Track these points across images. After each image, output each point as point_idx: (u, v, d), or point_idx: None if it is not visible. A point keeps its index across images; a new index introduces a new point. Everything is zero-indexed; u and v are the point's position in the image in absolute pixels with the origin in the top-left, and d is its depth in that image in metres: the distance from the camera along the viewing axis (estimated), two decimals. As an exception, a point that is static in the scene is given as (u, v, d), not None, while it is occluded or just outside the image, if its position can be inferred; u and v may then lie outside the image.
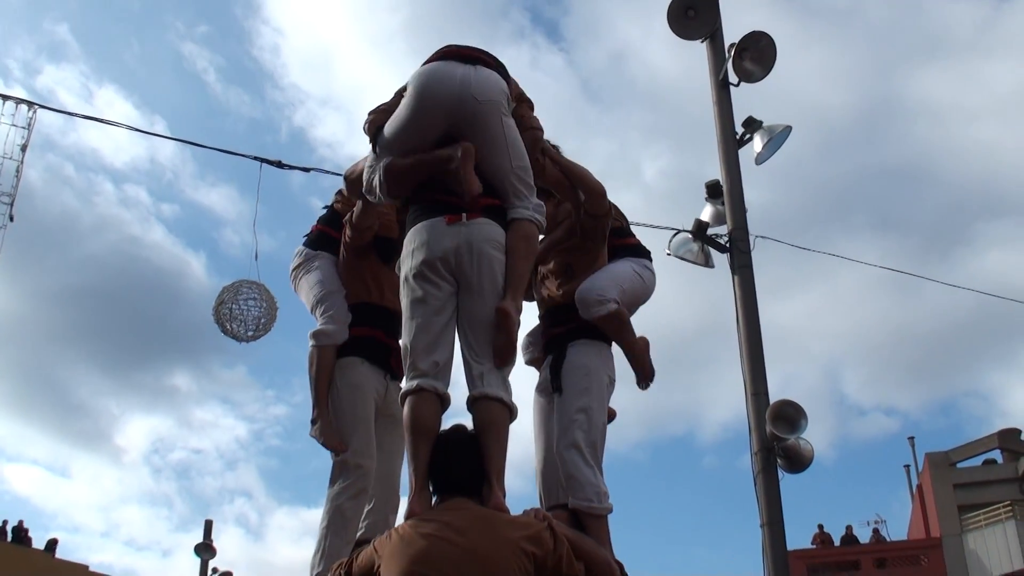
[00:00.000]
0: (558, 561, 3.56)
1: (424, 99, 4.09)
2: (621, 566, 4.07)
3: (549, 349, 4.78)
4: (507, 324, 3.91)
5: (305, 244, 5.21)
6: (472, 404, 3.85)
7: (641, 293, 4.91)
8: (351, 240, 4.91)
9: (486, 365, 3.91)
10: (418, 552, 3.35)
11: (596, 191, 4.66)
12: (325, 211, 5.30)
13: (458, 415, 3.95)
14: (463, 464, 3.69)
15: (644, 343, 4.83)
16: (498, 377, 3.91)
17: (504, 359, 3.95)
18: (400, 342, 4.16)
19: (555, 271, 4.84)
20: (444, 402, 3.90)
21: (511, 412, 3.90)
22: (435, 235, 4.07)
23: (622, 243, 5.00)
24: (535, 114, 4.51)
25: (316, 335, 4.84)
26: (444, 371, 3.95)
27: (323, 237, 5.17)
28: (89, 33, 77.52)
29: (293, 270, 5.16)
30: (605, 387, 4.63)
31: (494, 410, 3.83)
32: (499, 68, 4.35)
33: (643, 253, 5.04)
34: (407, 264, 4.12)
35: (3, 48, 70.24)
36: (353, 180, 4.75)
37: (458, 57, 4.18)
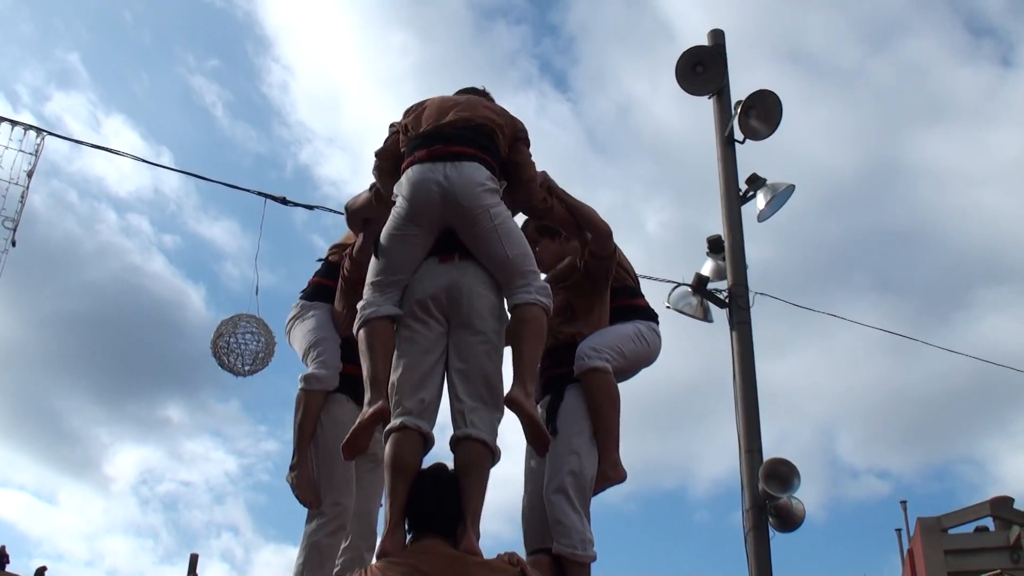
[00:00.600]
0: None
1: (412, 216, 4.13)
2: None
3: (547, 390, 4.77)
4: (519, 413, 3.92)
5: (301, 297, 5.20)
6: (455, 444, 3.85)
7: (643, 356, 4.90)
8: (349, 273, 4.90)
9: (473, 406, 3.90)
10: None
11: (602, 231, 4.68)
12: (321, 263, 5.30)
13: (441, 456, 3.95)
14: (440, 503, 3.67)
15: (613, 421, 4.68)
16: (486, 419, 3.90)
17: (541, 447, 4.13)
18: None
19: (556, 310, 4.83)
20: (427, 442, 3.89)
21: (494, 455, 3.88)
22: (427, 274, 4.10)
23: (632, 303, 4.99)
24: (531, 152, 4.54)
25: (307, 379, 4.81)
26: (429, 410, 3.95)
27: (319, 289, 5.17)
28: (99, 63, 77.87)
29: (288, 321, 5.14)
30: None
31: (476, 451, 3.81)
32: (484, 109, 4.39)
33: (651, 316, 5.02)
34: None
35: (13, 74, 70.50)
36: (353, 212, 4.78)
37: (437, 156, 4.16)
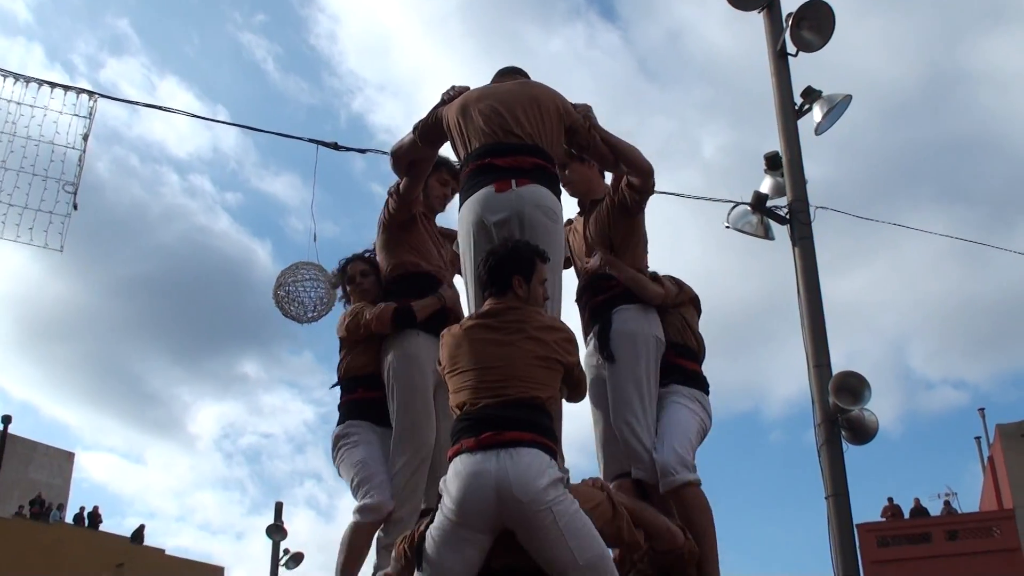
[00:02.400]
0: (618, 531, 3.63)
1: (463, 517, 3.52)
2: (686, 533, 4.09)
3: (593, 319, 4.80)
4: None
5: (341, 416, 5.11)
6: None
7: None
8: (395, 212, 4.94)
9: None
10: None
11: (643, 169, 4.66)
12: (335, 386, 5.22)
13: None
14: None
15: (711, 535, 4.37)
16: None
17: None
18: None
19: (594, 242, 4.83)
20: None
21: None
22: (485, 204, 4.13)
23: (690, 367, 4.81)
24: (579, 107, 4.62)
25: (361, 510, 4.73)
26: None
27: (358, 405, 5.04)
28: (149, 26, 78.67)
29: (335, 441, 5.04)
30: (654, 349, 4.66)
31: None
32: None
33: (705, 385, 4.86)
34: (462, 239, 4.19)
35: (67, 44, 71.57)
36: (399, 154, 4.79)
37: (487, 445, 3.54)
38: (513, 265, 3.86)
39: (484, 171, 4.24)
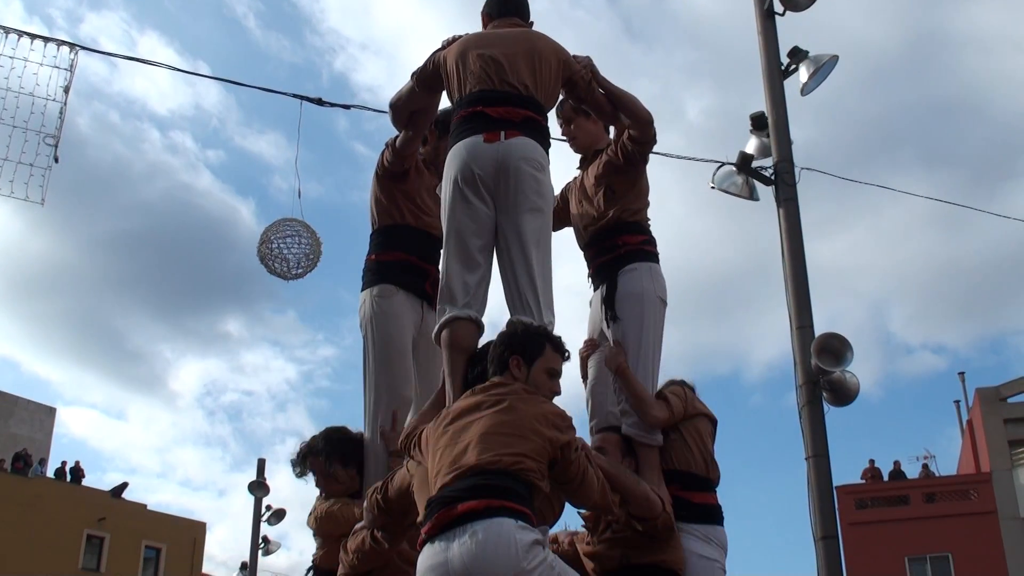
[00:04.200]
0: (582, 480, 3.48)
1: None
2: (667, 502, 4.07)
3: (598, 278, 4.77)
4: None
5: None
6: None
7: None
8: (390, 165, 4.89)
9: (527, 288, 3.98)
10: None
11: (643, 119, 4.61)
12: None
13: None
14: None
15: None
16: (538, 305, 3.98)
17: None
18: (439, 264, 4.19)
19: (595, 194, 4.81)
20: (480, 328, 4.01)
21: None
22: (473, 154, 4.10)
23: (702, 501, 4.47)
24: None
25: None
26: (478, 296, 4.06)
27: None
28: (130, -22, 77.70)
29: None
30: (659, 310, 4.64)
31: None
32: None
33: (719, 518, 4.51)
34: (446, 186, 4.16)
35: (46, -4, 70.60)
36: (399, 105, 4.74)
37: (442, 527, 3.21)
38: (514, 346, 3.60)
39: (474, 118, 4.19)
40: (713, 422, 4.59)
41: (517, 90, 4.23)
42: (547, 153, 4.27)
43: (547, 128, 4.37)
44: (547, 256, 4.17)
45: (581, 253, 4.90)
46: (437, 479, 3.29)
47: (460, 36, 4.58)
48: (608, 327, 4.60)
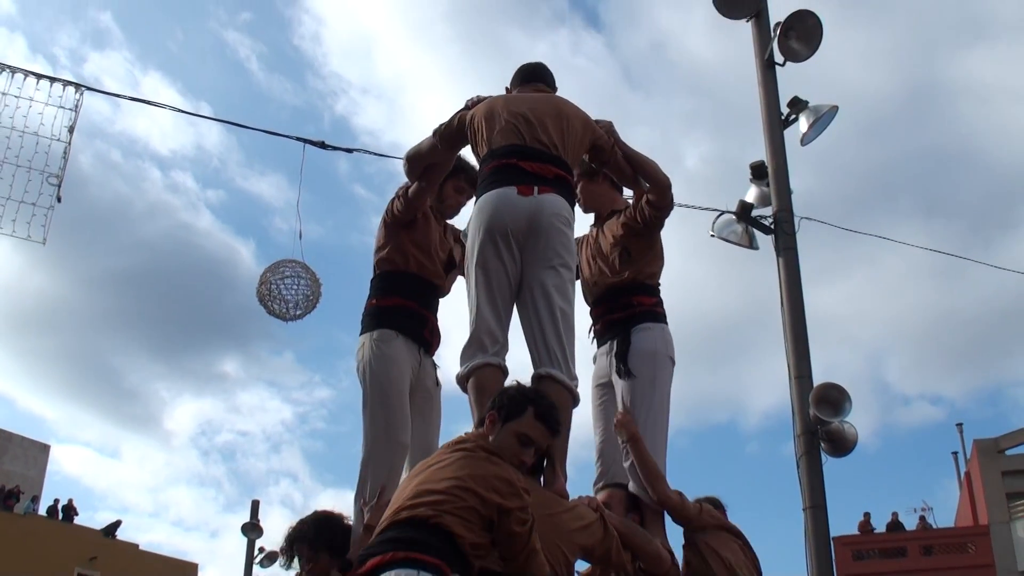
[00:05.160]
0: (606, 551, 3.61)
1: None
2: (674, 557, 4.08)
3: (608, 333, 4.80)
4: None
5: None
6: (537, 382, 3.93)
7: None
8: (400, 213, 4.89)
9: (554, 342, 4.00)
10: None
11: (662, 183, 4.68)
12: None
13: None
14: None
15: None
16: (564, 359, 4.00)
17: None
18: (468, 312, 4.19)
19: (611, 254, 4.84)
20: (505, 374, 4.04)
21: (574, 399, 4.01)
22: (507, 205, 4.12)
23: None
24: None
25: None
26: (504, 345, 4.10)
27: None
28: (133, 20, 78.51)
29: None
30: (669, 370, 4.70)
31: (559, 392, 3.89)
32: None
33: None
34: (475, 233, 4.17)
35: (49, 36, 71.31)
36: (418, 156, 4.75)
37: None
38: (496, 402, 3.46)
39: (508, 170, 4.21)
40: (737, 535, 4.42)
41: (547, 148, 4.27)
42: (573, 210, 4.32)
43: (574, 188, 4.45)
44: (571, 311, 4.19)
45: (587, 308, 4.93)
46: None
47: (486, 97, 4.63)
48: (619, 380, 4.63)
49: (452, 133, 4.58)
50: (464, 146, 4.62)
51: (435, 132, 4.64)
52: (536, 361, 4.03)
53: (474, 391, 3.99)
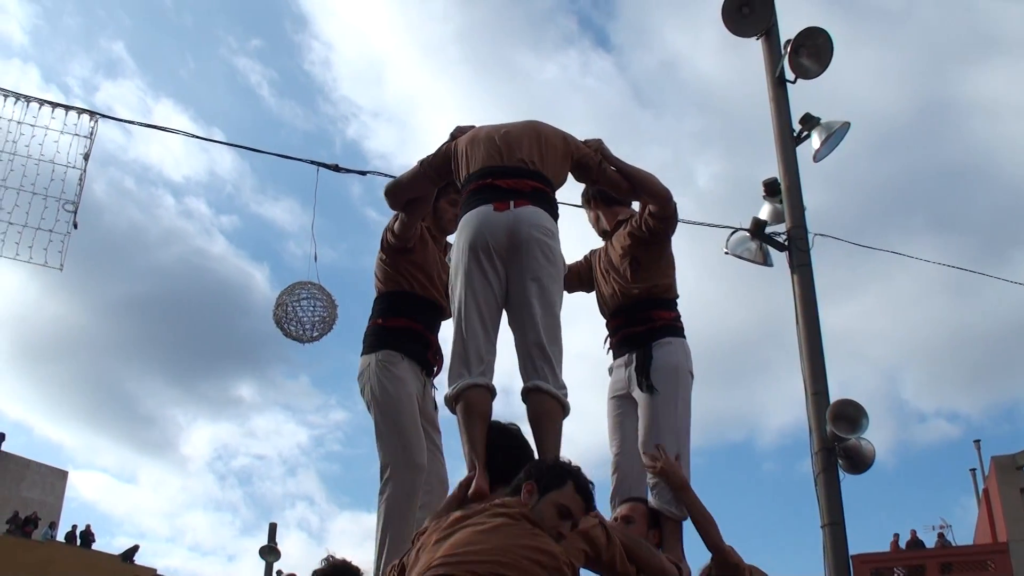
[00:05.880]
0: (611, 559, 3.59)
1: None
2: (683, 571, 4.06)
3: (626, 347, 4.81)
4: None
5: None
6: (526, 395, 3.94)
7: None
8: (392, 245, 4.91)
9: (538, 355, 3.99)
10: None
11: (661, 195, 4.69)
12: None
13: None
14: (511, 454, 3.71)
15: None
16: (552, 370, 3.98)
17: None
18: (453, 332, 4.19)
19: (621, 265, 4.86)
20: (493, 395, 4.03)
21: (564, 409, 3.97)
22: (484, 222, 4.15)
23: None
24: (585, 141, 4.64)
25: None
26: (491, 364, 4.08)
27: None
28: (144, 49, 79.19)
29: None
30: (690, 385, 4.73)
31: (547, 403, 3.90)
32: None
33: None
34: (457, 254, 4.20)
35: (62, 66, 71.91)
36: (400, 187, 4.76)
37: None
38: (532, 473, 3.36)
39: (484, 190, 4.25)
40: None
41: (525, 164, 4.31)
42: (556, 222, 4.31)
43: (554, 199, 4.42)
44: (557, 322, 4.18)
45: (603, 321, 4.94)
46: None
47: (470, 127, 4.67)
48: (641, 395, 4.65)
49: (438, 164, 4.62)
50: (449, 178, 4.64)
51: (421, 163, 4.68)
52: (524, 373, 4.03)
53: (463, 413, 3.96)
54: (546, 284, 4.11)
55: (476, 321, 4.08)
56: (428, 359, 4.85)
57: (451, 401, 4.03)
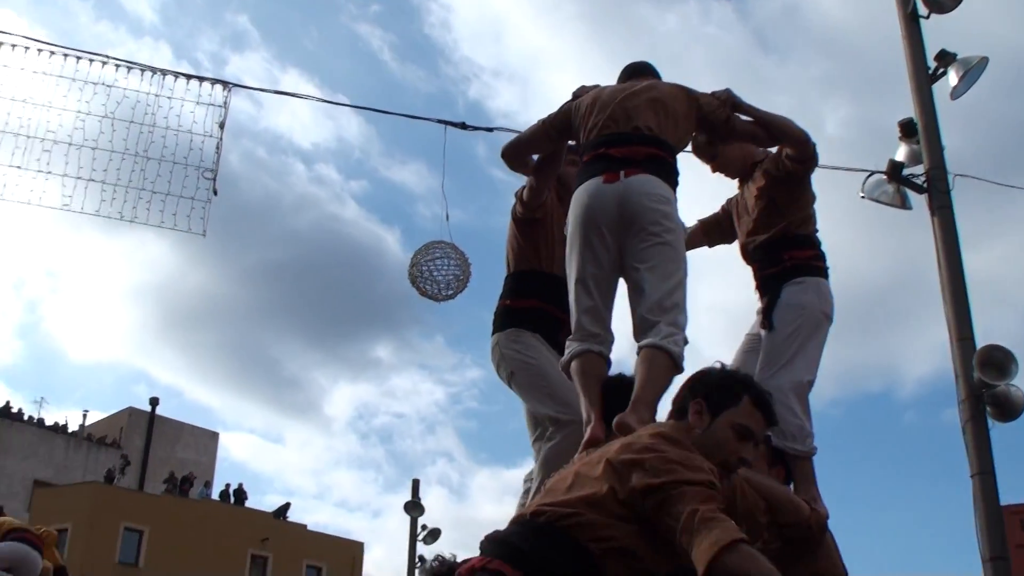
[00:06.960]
0: (731, 492, 3.19)
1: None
2: (818, 514, 3.94)
3: (763, 289, 4.76)
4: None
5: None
6: (639, 352, 3.91)
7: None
8: (521, 215, 4.82)
9: (654, 318, 3.92)
10: None
11: (798, 138, 4.59)
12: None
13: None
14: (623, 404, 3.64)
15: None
16: (668, 330, 3.89)
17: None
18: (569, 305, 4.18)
19: (756, 206, 4.80)
20: (607, 362, 4.06)
21: (676, 365, 3.85)
22: (594, 195, 4.13)
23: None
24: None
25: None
26: (603, 338, 4.09)
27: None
28: (268, 21, 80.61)
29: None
30: (820, 324, 4.61)
31: (656, 354, 3.83)
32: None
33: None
34: (570, 227, 4.20)
35: (191, 42, 73.91)
36: (520, 147, 4.74)
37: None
38: (699, 388, 3.01)
39: (597, 160, 4.21)
40: None
41: (641, 131, 4.24)
42: (674, 188, 4.23)
43: (673, 164, 4.32)
44: (673, 285, 4.05)
45: (748, 268, 4.89)
46: None
47: (593, 86, 4.63)
48: (764, 335, 4.60)
49: (558, 122, 4.58)
50: (569, 136, 4.59)
51: (541, 121, 4.65)
52: (637, 336, 3.98)
53: (577, 374, 3.99)
54: (660, 250, 4.04)
55: (585, 296, 4.10)
56: (560, 340, 4.48)
57: (565, 366, 4.08)
